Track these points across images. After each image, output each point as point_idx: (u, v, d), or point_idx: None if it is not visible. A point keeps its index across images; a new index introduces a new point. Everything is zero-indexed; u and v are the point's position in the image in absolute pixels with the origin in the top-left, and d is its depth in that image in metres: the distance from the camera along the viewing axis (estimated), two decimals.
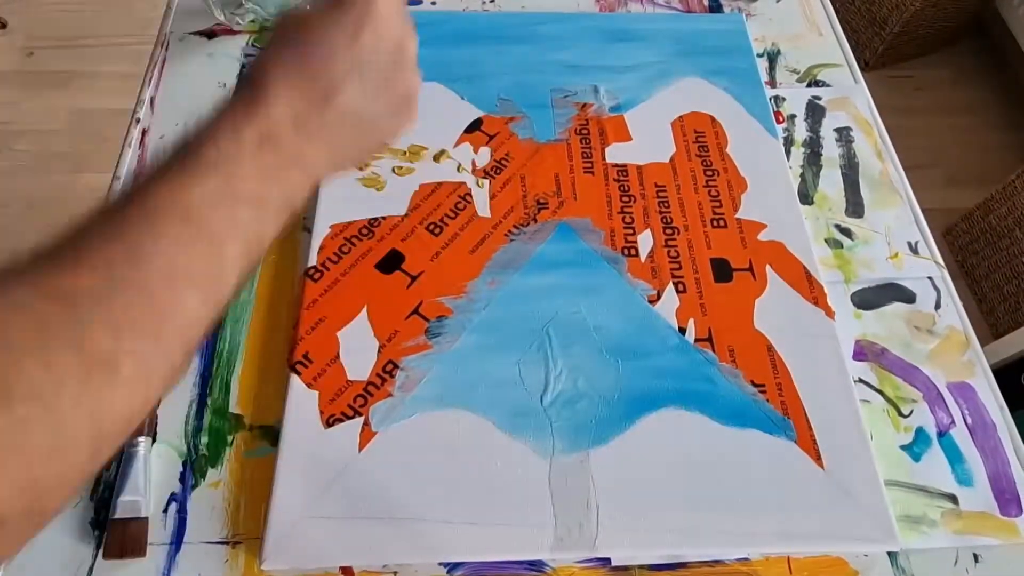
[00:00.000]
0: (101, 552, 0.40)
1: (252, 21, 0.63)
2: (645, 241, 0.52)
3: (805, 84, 0.64)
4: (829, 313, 0.50)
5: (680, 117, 0.60)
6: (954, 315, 0.51)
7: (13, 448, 0.21)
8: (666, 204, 0.55)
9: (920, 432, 0.46)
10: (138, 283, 0.24)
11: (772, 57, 0.65)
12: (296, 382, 0.45)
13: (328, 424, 0.44)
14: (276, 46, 0.29)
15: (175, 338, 0.25)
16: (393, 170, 0.55)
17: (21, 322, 0.22)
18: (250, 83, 0.28)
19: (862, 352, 0.49)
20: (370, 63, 0.30)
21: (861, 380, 0.48)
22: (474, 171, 0.55)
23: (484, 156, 0.56)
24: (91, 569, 0.40)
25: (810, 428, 0.45)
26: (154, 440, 0.43)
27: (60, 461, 0.22)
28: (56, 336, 0.22)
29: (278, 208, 0.28)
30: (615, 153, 0.57)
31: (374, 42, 0.30)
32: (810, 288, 0.51)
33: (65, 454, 0.22)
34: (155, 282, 0.24)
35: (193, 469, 0.43)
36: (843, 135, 0.60)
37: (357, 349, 0.46)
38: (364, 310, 0.48)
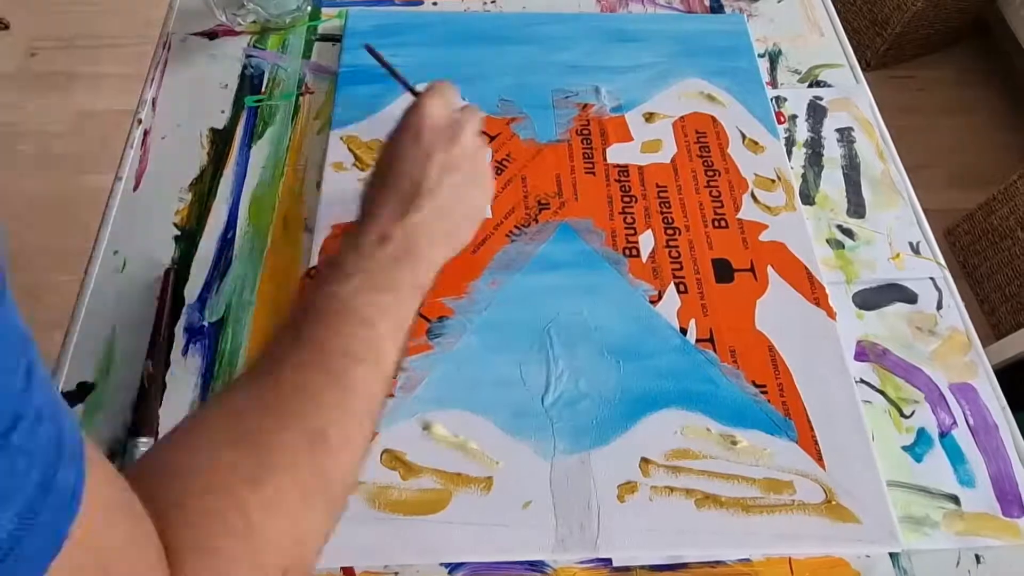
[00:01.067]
0: None
1: (254, 22, 0.63)
2: (646, 241, 0.52)
3: (806, 84, 0.64)
4: (830, 314, 0.50)
5: (681, 118, 0.60)
6: (956, 316, 0.51)
7: (286, 512, 0.27)
8: (667, 204, 0.54)
9: (922, 433, 0.46)
10: (323, 367, 0.30)
11: (773, 57, 0.65)
12: None
13: None
14: (372, 176, 0.38)
15: (359, 408, 0.31)
16: None
17: (259, 412, 0.29)
18: (361, 210, 0.36)
19: (864, 353, 0.49)
20: (436, 157, 0.37)
21: (863, 381, 0.48)
22: None
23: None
24: None
25: (811, 429, 0.45)
26: (156, 440, 0.43)
27: (312, 519, 0.28)
28: (283, 418, 0.29)
29: (411, 289, 0.35)
30: (616, 154, 0.57)
31: (432, 138, 0.38)
32: (811, 288, 0.51)
33: (312, 512, 0.28)
34: (333, 362, 0.31)
35: None
36: (844, 135, 0.60)
37: None
38: None
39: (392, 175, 0.37)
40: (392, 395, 0.45)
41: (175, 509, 0.25)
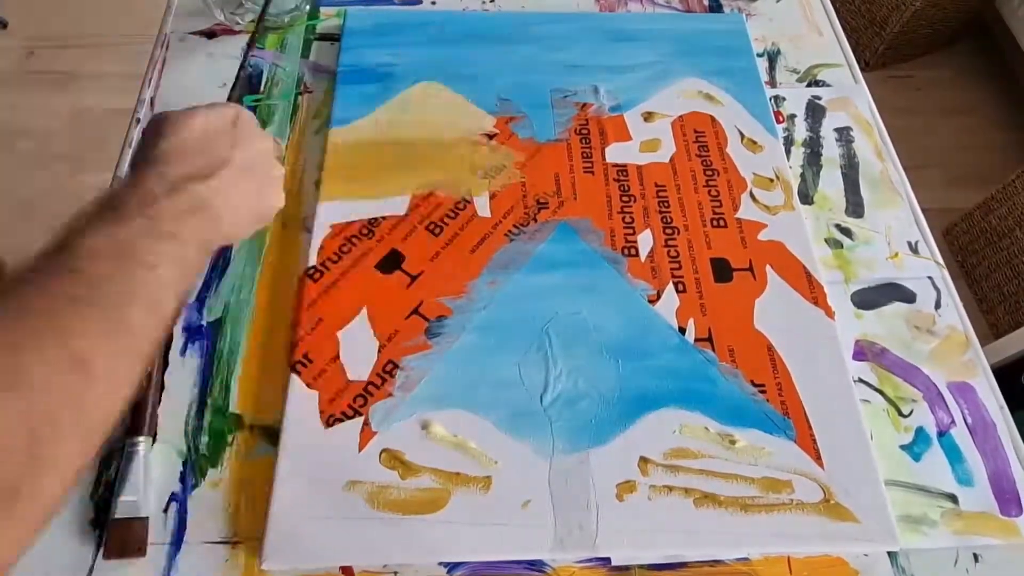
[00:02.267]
0: (101, 552, 0.40)
1: (252, 21, 0.63)
2: (645, 241, 0.52)
3: (805, 84, 0.64)
4: (829, 313, 0.50)
5: (680, 117, 0.60)
6: (954, 315, 0.51)
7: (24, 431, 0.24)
8: (666, 204, 0.55)
9: (920, 432, 0.46)
10: (96, 301, 0.29)
11: (772, 57, 0.65)
12: (296, 382, 0.45)
13: (328, 424, 0.44)
14: (162, 135, 0.37)
15: (130, 346, 0.30)
16: None
17: (20, 328, 0.27)
18: (141, 160, 0.36)
19: (862, 352, 0.49)
20: (244, 145, 0.38)
21: (861, 380, 0.48)
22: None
23: None
24: (91, 569, 0.40)
25: (810, 428, 0.45)
26: (154, 440, 0.43)
27: (55, 446, 0.26)
28: (45, 337, 0.27)
29: (198, 243, 0.35)
30: (615, 153, 0.57)
31: (246, 129, 0.39)
32: (810, 288, 0.51)
33: (59, 441, 0.26)
34: (107, 298, 0.29)
35: (193, 469, 0.43)
36: (843, 135, 0.60)
37: (357, 349, 0.46)
38: (364, 310, 0.48)
39: (194, 142, 0.37)
40: (377, 386, 0.45)
41: None
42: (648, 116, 0.59)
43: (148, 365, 0.31)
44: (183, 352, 0.47)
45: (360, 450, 0.43)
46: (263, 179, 0.40)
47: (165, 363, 0.46)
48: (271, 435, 0.44)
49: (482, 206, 0.53)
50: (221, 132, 0.38)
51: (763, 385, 0.47)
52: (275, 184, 0.42)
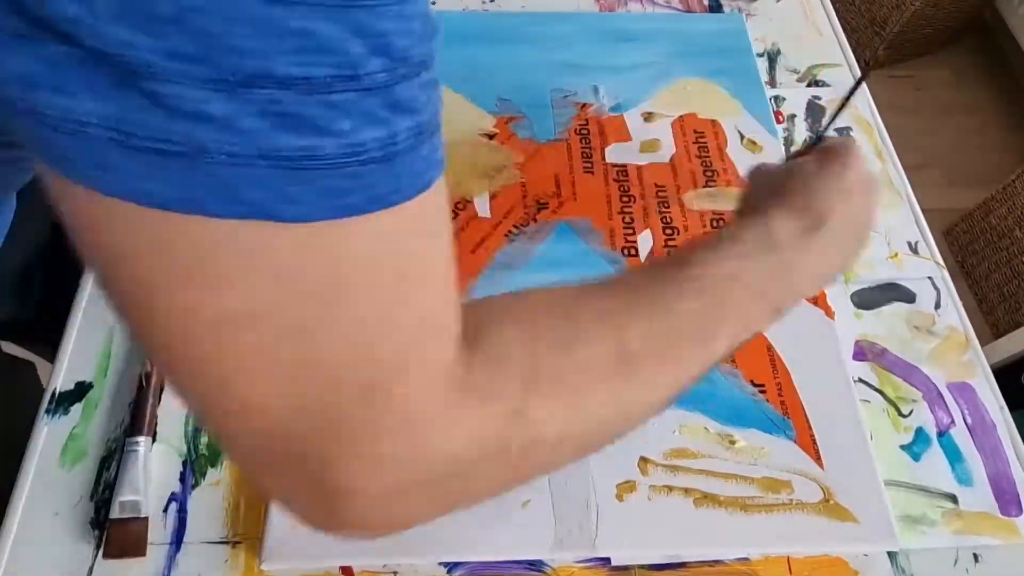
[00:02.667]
0: (101, 552, 0.40)
1: None
2: (645, 241, 0.52)
3: (805, 84, 0.64)
4: (829, 313, 0.50)
5: (680, 117, 0.60)
6: (954, 315, 0.51)
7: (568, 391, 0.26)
8: (666, 204, 0.55)
9: (920, 432, 0.46)
10: (669, 316, 0.30)
11: (772, 57, 0.65)
12: None
13: None
14: (773, 188, 0.37)
15: (671, 378, 0.30)
16: None
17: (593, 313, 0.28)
18: (760, 213, 0.36)
19: (862, 352, 0.49)
20: (849, 202, 0.37)
21: (861, 380, 0.48)
22: None
23: None
24: (91, 569, 0.40)
25: (810, 428, 0.45)
26: (154, 440, 0.43)
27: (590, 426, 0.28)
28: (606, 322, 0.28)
29: (770, 305, 0.34)
30: (615, 153, 0.57)
31: (854, 186, 0.37)
32: None
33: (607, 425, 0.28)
34: (678, 327, 0.30)
35: (193, 469, 0.43)
36: (843, 135, 0.60)
37: None
38: None
39: (801, 197, 0.36)
40: None
41: (478, 332, 0.25)
42: (648, 116, 0.60)
43: (669, 402, 0.31)
44: None
45: None
46: (860, 236, 0.39)
47: None
48: None
49: (482, 206, 0.53)
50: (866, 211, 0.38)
51: (763, 385, 0.47)
52: (866, 228, 0.39)
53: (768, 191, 0.38)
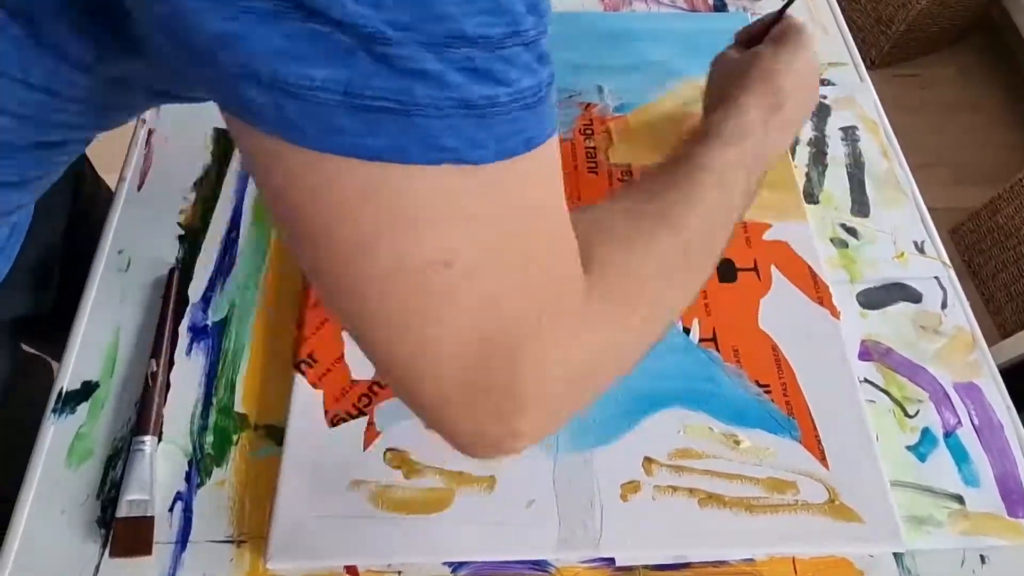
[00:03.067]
0: (107, 551, 0.40)
1: None
2: None
3: None
4: (834, 313, 0.50)
5: (685, 117, 0.59)
6: (960, 315, 0.51)
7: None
8: None
9: (926, 432, 0.46)
10: (700, 205, 0.35)
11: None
12: (301, 381, 0.45)
13: (333, 423, 0.44)
14: (738, 76, 0.44)
15: (717, 244, 0.37)
16: None
17: (639, 218, 0.34)
18: (732, 101, 0.42)
19: (868, 352, 0.49)
20: (801, 83, 0.44)
21: (867, 380, 0.48)
22: None
23: None
24: (97, 567, 0.40)
25: (815, 428, 0.45)
26: (160, 439, 0.44)
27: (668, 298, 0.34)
28: (662, 229, 0.34)
29: (756, 179, 0.41)
30: (619, 153, 0.57)
31: (805, 67, 0.44)
32: (815, 288, 0.51)
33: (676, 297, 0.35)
34: (709, 206, 0.36)
35: (199, 468, 0.43)
36: (849, 134, 0.60)
37: None
38: None
39: (761, 83, 0.42)
40: (381, 386, 0.45)
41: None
42: (652, 116, 0.59)
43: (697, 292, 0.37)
44: (188, 352, 0.47)
45: (365, 449, 0.43)
46: (808, 98, 0.46)
47: (171, 363, 0.46)
48: (276, 434, 0.44)
49: None
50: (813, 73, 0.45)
51: (768, 385, 0.46)
52: (814, 91, 0.47)
53: (733, 78, 0.44)
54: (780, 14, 0.47)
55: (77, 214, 0.55)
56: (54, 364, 0.67)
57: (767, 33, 0.47)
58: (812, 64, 0.45)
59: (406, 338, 0.25)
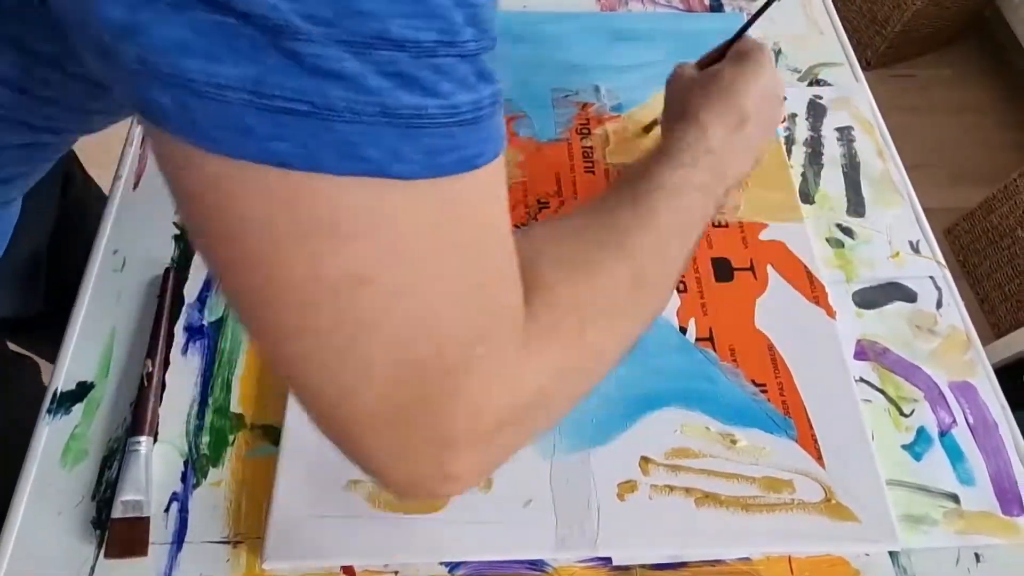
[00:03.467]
0: (103, 551, 0.40)
1: None
2: None
3: (806, 83, 0.64)
4: (830, 312, 0.50)
5: None
6: (955, 314, 0.51)
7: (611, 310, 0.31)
8: None
9: (921, 431, 0.46)
10: (654, 229, 0.34)
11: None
12: None
13: None
14: (698, 94, 0.43)
15: (672, 269, 0.35)
16: None
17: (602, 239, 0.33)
18: (693, 119, 0.41)
19: (863, 351, 0.49)
20: (764, 102, 0.43)
21: (862, 379, 0.48)
22: None
23: None
24: (93, 568, 0.40)
25: (811, 427, 0.45)
26: (156, 440, 0.44)
27: (618, 333, 0.32)
28: (623, 250, 0.33)
29: (715, 200, 0.40)
30: (616, 153, 0.57)
31: (768, 85, 0.43)
32: (811, 287, 0.51)
33: (624, 328, 0.33)
34: (664, 229, 0.35)
35: (195, 468, 0.43)
36: (844, 134, 0.60)
37: None
38: None
39: (724, 99, 0.42)
40: None
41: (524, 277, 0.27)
42: (649, 116, 0.59)
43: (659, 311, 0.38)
44: (184, 351, 0.47)
45: None
46: (768, 126, 0.45)
47: (166, 362, 0.46)
48: (272, 434, 0.44)
49: None
50: (774, 99, 0.44)
51: (764, 385, 0.47)
52: (776, 119, 0.46)
53: (693, 95, 0.43)
54: (739, 34, 0.47)
55: (65, 216, 0.55)
56: (43, 364, 0.67)
57: (725, 54, 0.46)
58: (774, 82, 0.44)
59: (324, 362, 0.23)
